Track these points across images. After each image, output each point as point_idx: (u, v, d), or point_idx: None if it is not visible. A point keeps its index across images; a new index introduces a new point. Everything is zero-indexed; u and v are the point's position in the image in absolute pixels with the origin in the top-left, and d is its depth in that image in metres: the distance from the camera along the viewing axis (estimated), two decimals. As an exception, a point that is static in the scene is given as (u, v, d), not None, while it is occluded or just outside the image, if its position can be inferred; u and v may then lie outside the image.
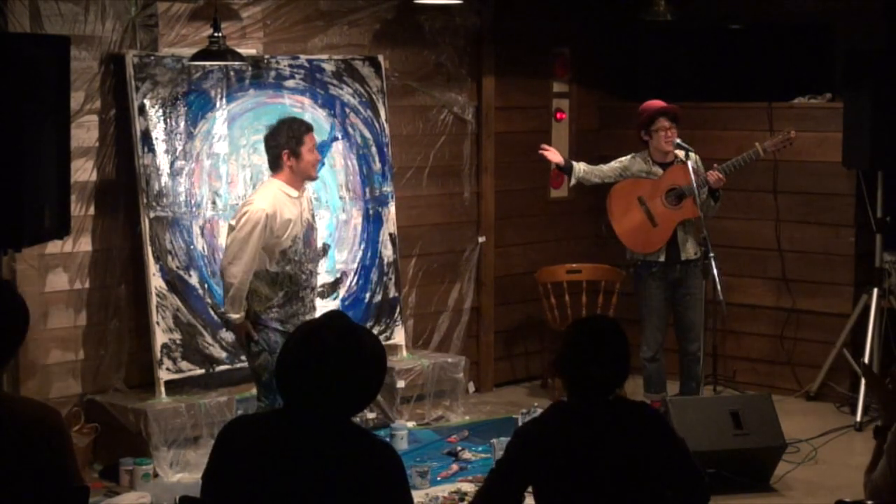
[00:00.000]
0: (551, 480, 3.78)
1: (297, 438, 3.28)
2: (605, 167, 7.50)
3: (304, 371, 3.26)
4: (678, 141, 7.27)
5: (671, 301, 7.40)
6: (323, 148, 7.41)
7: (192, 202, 6.89)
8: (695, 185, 7.15)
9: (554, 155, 7.51)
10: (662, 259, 7.33)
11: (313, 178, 6.27)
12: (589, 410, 3.83)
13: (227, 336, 6.92)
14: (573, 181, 7.56)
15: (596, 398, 3.84)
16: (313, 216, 6.30)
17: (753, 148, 7.28)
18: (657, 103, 7.36)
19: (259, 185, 6.56)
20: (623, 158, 7.47)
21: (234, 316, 5.98)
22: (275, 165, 6.12)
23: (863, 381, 7.46)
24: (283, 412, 3.37)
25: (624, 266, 7.78)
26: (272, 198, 5.99)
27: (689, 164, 7.25)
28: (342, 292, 7.45)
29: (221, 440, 3.39)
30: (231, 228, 6.03)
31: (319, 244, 6.70)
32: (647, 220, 7.35)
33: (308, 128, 6.19)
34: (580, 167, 7.48)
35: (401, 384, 7.46)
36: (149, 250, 6.70)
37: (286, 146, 6.05)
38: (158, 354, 6.70)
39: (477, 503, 3.88)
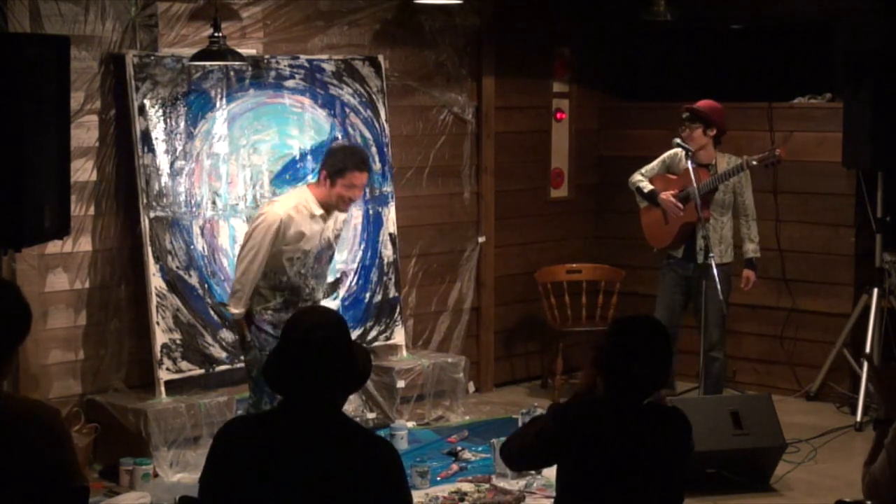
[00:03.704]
0: (574, 465, 3.82)
1: (293, 436, 3.29)
2: (649, 166, 7.55)
3: (290, 359, 3.35)
4: (678, 140, 7.25)
5: (685, 296, 7.45)
6: (323, 149, 7.41)
7: (192, 202, 6.89)
8: (697, 189, 7.10)
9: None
10: (679, 255, 7.40)
11: (341, 210, 6.24)
12: (623, 410, 3.83)
13: (227, 336, 6.93)
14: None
15: (633, 398, 3.84)
16: (337, 237, 6.30)
17: (741, 160, 7.28)
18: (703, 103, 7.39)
19: (291, 188, 6.69)
20: (667, 152, 7.52)
21: (234, 311, 6.05)
22: (316, 175, 6.17)
23: (864, 376, 7.48)
24: (278, 411, 3.40)
25: (652, 257, 7.77)
26: (293, 206, 6.04)
27: (689, 164, 7.22)
28: (342, 292, 7.45)
29: (218, 442, 3.40)
30: (249, 226, 6.15)
31: (331, 277, 6.75)
32: (662, 216, 7.42)
33: (358, 166, 6.09)
34: (642, 182, 7.53)
35: (401, 384, 7.46)
36: (149, 250, 6.70)
37: (329, 168, 6.06)
38: (158, 354, 6.70)
39: (511, 453, 3.97)
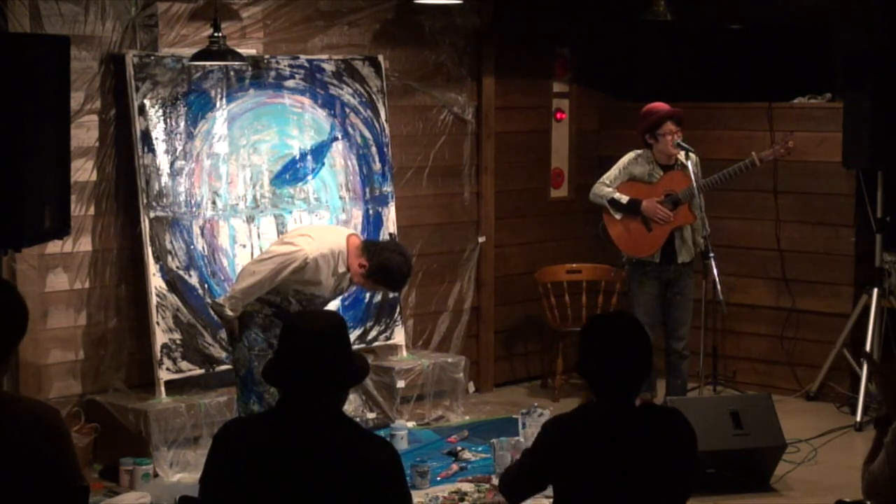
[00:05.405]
0: (569, 479, 3.76)
1: (293, 436, 3.30)
2: (612, 175, 7.44)
3: (290, 358, 3.38)
4: (678, 141, 7.26)
5: (662, 300, 7.42)
6: (323, 149, 7.42)
7: (192, 202, 6.89)
8: (694, 189, 7.14)
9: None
10: (657, 260, 7.35)
11: (353, 281, 6.22)
12: (614, 415, 3.75)
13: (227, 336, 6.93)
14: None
15: (620, 399, 3.77)
16: (348, 286, 6.29)
17: (749, 157, 7.27)
18: (664, 106, 7.32)
19: (338, 226, 6.85)
20: (624, 159, 7.44)
21: (229, 313, 6.02)
22: (366, 245, 6.09)
23: (863, 378, 7.48)
24: (277, 411, 3.40)
25: (620, 265, 7.79)
26: (325, 253, 5.99)
27: (689, 164, 7.25)
28: (342, 292, 7.45)
29: (218, 442, 3.41)
30: (280, 242, 6.11)
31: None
32: (642, 224, 7.35)
33: (397, 289, 6.46)
34: (615, 194, 7.40)
35: (401, 384, 7.46)
36: (149, 250, 6.70)
37: (376, 272, 5.98)
38: (158, 354, 6.70)
39: (507, 483, 3.95)
